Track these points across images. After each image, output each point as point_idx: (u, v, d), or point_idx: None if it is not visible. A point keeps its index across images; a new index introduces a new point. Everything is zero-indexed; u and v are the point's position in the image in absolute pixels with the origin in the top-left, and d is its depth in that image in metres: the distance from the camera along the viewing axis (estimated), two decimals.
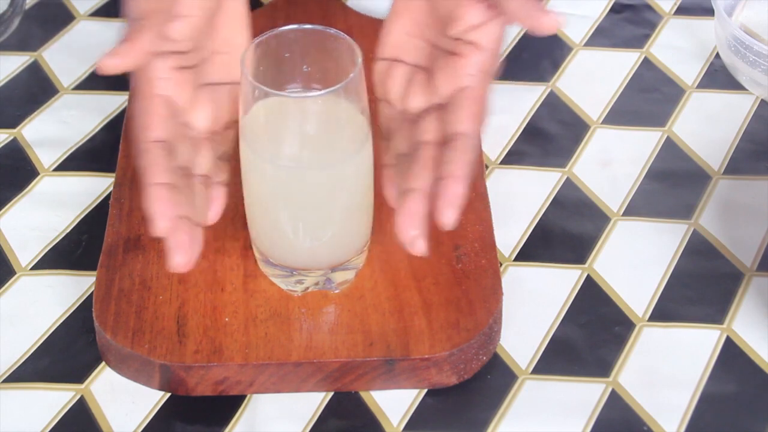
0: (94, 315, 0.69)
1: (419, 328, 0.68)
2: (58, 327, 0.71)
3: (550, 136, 0.83)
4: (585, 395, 0.68)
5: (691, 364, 0.69)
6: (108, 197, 0.77)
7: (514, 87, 0.86)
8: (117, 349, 0.68)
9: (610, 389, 0.68)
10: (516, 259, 0.75)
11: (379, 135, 0.69)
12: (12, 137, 0.83)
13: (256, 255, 0.71)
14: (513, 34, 0.91)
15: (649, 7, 0.93)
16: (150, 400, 0.68)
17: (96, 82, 0.87)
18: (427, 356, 0.67)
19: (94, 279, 0.71)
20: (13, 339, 0.71)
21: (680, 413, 0.67)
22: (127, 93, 0.84)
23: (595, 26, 0.92)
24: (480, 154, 0.77)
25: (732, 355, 0.70)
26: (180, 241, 0.62)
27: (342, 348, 0.67)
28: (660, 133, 0.83)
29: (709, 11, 0.89)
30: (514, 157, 0.81)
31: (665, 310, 0.72)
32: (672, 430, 0.66)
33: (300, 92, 0.68)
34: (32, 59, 0.89)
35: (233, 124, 0.68)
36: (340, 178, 0.66)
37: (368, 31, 0.86)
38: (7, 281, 0.74)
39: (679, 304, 0.72)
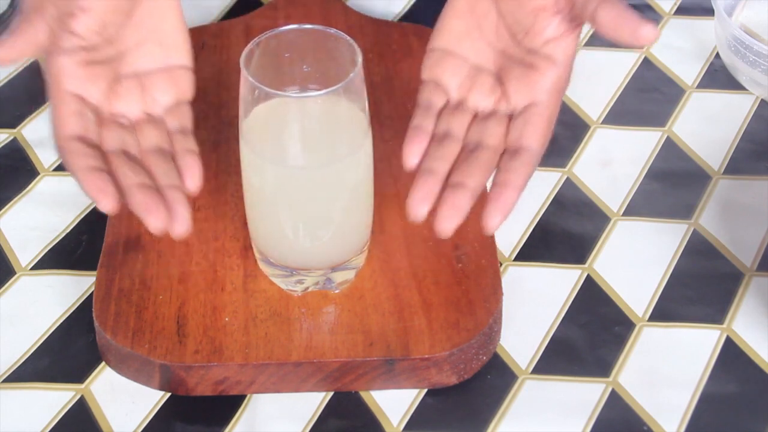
0: (94, 315, 0.69)
1: (419, 328, 0.68)
2: (58, 327, 0.71)
3: None
4: (585, 395, 0.68)
5: (691, 364, 0.69)
6: None
7: None
8: (117, 349, 0.68)
9: (610, 389, 0.68)
10: (516, 259, 0.75)
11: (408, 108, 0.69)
12: (12, 137, 0.83)
13: (256, 255, 0.71)
14: None
15: (649, 7, 0.93)
16: (150, 400, 0.68)
17: None
18: (427, 356, 0.67)
19: (94, 279, 0.71)
20: (13, 339, 0.71)
21: (680, 413, 0.67)
22: None
23: None
24: None
25: (732, 355, 0.70)
26: (145, 205, 0.61)
27: (342, 348, 0.67)
28: (660, 133, 0.83)
29: (709, 11, 0.89)
30: None
31: (665, 310, 0.72)
32: (672, 430, 0.66)
33: (300, 92, 0.68)
34: (32, 59, 0.89)
35: (182, 104, 0.68)
36: (340, 178, 0.66)
37: (368, 31, 0.87)
38: (7, 281, 0.74)
39: (679, 304, 0.72)
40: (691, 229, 0.77)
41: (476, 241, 0.72)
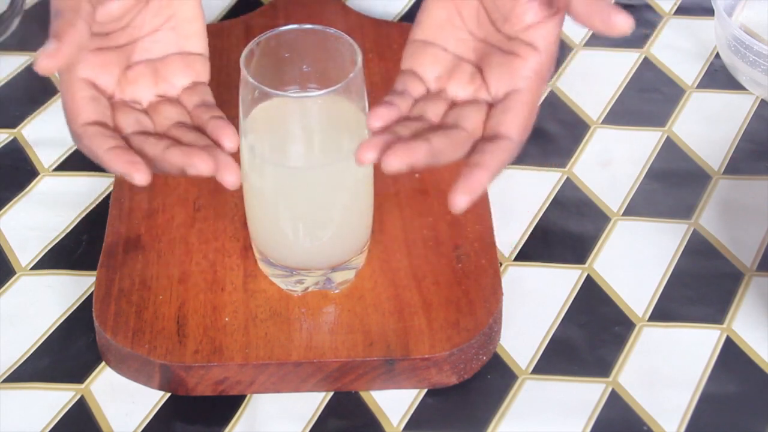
0: (94, 315, 0.69)
1: (419, 328, 0.68)
2: (58, 327, 0.71)
3: (550, 136, 0.83)
4: (585, 395, 0.68)
5: (691, 364, 0.69)
6: (108, 197, 0.77)
7: None
8: (117, 349, 0.68)
9: (610, 389, 0.68)
10: (516, 259, 0.75)
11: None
12: (12, 137, 0.83)
13: (256, 255, 0.71)
14: None
15: (649, 7, 0.93)
16: (150, 400, 0.68)
17: None
18: (427, 356, 0.67)
19: (94, 279, 0.71)
20: (13, 339, 0.71)
21: (680, 413, 0.67)
22: None
23: None
24: None
25: (732, 355, 0.70)
26: (188, 152, 0.60)
27: (342, 348, 0.67)
28: (660, 133, 0.83)
29: (709, 11, 0.89)
30: None
31: (665, 310, 0.72)
32: (672, 430, 0.66)
33: (300, 92, 0.68)
34: (32, 59, 0.89)
35: (199, 84, 0.67)
36: (340, 178, 0.66)
37: (368, 31, 0.87)
38: (7, 281, 0.74)
39: (679, 304, 0.72)
40: (691, 229, 0.77)
41: (476, 241, 0.72)
